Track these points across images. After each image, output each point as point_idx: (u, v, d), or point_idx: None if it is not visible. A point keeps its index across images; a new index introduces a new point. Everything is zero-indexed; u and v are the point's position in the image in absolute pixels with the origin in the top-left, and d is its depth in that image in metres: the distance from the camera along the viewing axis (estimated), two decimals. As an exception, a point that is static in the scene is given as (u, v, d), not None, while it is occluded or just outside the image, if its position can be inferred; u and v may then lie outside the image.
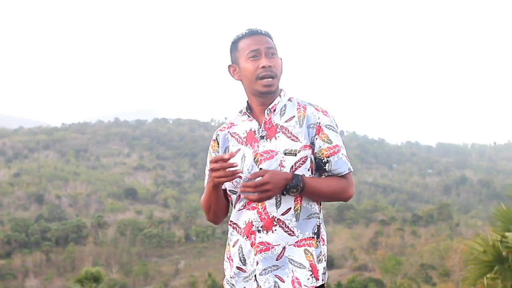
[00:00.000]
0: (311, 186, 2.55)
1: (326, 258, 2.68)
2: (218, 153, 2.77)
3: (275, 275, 2.57)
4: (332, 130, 2.65)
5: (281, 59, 2.71)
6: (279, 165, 2.57)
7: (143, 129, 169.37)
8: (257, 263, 2.59)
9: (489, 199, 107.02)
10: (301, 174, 2.58)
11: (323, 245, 2.65)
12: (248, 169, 2.62)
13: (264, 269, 2.58)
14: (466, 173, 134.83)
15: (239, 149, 2.69)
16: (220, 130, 2.80)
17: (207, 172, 2.80)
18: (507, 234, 6.66)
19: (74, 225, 75.90)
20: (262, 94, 2.65)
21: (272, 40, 2.69)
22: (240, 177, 2.63)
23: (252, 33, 2.65)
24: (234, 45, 2.69)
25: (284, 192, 2.52)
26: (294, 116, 2.66)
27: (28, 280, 59.28)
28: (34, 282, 58.54)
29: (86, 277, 27.68)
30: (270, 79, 2.60)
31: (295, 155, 2.58)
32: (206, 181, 2.82)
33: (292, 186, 2.50)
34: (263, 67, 2.59)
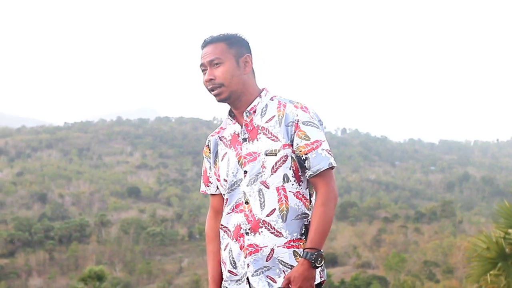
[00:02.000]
0: (316, 239, 2.53)
1: None
2: (210, 158, 2.82)
3: (267, 276, 2.59)
4: (312, 125, 2.62)
5: (247, 56, 2.68)
6: (261, 166, 2.59)
7: (145, 127, 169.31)
8: (248, 265, 2.61)
9: (492, 196, 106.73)
10: (283, 173, 2.59)
11: None
12: (233, 172, 2.66)
13: (256, 271, 2.60)
14: (469, 170, 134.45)
15: (226, 153, 2.73)
16: (211, 135, 2.85)
17: (202, 177, 2.90)
18: (510, 230, 6.67)
19: (77, 224, 75.96)
20: (220, 102, 2.71)
21: (226, 43, 2.66)
22: (226, 180, 2.68)
23: (203, 46, 2.70)
24: None
25: (316, 266, 2.51)
26: (274, 116, 2.66)
27: (32, 279, 59.37)
28: (38, 281, 58.64)
29: (90, 275, 27.77)
30: (217, 89, 2.63)
31: (276, 155, 2.59)
32: (202, 186, 2.90)
33: (314, 260, 2.50)
34: (205, 81, 2.66)
